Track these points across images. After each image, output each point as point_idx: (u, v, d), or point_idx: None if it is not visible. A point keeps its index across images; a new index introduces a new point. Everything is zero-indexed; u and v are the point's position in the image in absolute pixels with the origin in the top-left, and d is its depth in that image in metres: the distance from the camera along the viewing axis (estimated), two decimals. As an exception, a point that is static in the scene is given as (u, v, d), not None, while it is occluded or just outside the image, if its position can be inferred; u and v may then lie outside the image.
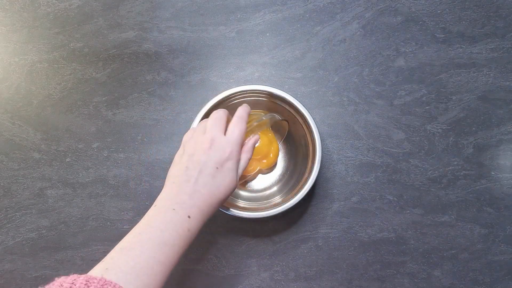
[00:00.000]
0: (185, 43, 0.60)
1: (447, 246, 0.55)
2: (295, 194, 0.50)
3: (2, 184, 0.58)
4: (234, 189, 0.42)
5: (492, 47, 0.58)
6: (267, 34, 0.60)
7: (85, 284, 0.30)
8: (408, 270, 0.55)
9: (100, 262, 0.35)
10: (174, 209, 0.39)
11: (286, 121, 0.54)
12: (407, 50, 0.59)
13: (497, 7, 0.59)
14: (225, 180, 0.41)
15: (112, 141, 0.59)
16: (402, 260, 0.55)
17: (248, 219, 0.55)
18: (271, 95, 0.53)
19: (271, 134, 0.57)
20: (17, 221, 0.57)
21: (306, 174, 0.52)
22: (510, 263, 0.55)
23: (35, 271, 0.56)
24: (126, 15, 0.61)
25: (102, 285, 0.31)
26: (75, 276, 0.32)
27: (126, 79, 0.60)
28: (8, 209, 0.57)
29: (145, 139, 0.58)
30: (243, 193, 0.58)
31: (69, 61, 0.60)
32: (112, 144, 0.58)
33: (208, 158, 0.41)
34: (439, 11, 0.60)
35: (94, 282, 0.31)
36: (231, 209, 0.50)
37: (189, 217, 0.39)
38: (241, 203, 0.54)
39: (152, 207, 0.40)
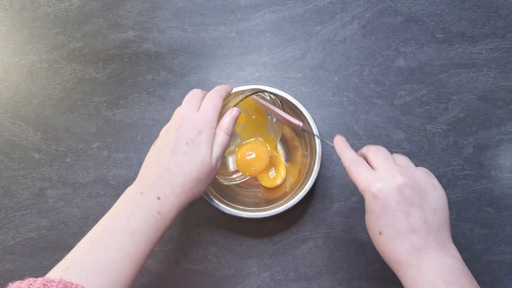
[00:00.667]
0: (185, 43, 0.60)
1: (447, 246, 0.55)
2: (295, 194, 0.50)
3: (2, 184, 0.58)
4: (209, 166, 0.39)
5: (492, 47, 0.58)
6: (267, 34, 0.60)
7: None
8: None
9: (61, 261, 0.32)
10: (142, 193, 0.36)
11: (275, 95, 0.50)
12: (407, 50, 0.59)
13: (497, 7, 0.59)
14: (197, 155, 0.38)
15: (112, 141, 0.59)
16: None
17: (248, 219, 0.55)
18: (271, 95, 0.52)
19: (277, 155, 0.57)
20: (17, 221, 0.57)
21: (306, 174, 0.52)
22: (510, 263, 0.55)
23: (35, 271, 0.56)
24: (126, 15, 0.61)
25: None
26: (31, 280, 0.29)
27: (126, 79, 0.60)
28: (8, 209, 0.57)
29: (145, 139, 0.58)
30: (242, 192, 0.58)
31: (69, 61, 0.60)
32: (112, 144, 0.58)
33: (178, 135, 0.38)
34: (439, 11, 0.60)
35: (52, 285, 0.29)
36: (231, 209, 0.50)
37: (158, 198, 0.36)
38: (241, 203, 0.54)
39: (121, 196, 0.37)
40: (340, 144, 0.41)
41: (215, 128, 0.40)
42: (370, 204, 0.36)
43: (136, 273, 0.34)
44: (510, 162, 0.56)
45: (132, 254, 0.33)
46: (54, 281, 0.29)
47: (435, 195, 0.36)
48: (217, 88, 0.43)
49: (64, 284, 0.29)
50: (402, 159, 0.38)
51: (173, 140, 0.38)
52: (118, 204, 0.37)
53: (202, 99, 0.42)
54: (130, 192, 0.37)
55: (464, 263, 0.35)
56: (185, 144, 0.38)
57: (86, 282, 0.30)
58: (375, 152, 0.38)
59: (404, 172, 0.36)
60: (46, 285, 0.29)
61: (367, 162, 0.38)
